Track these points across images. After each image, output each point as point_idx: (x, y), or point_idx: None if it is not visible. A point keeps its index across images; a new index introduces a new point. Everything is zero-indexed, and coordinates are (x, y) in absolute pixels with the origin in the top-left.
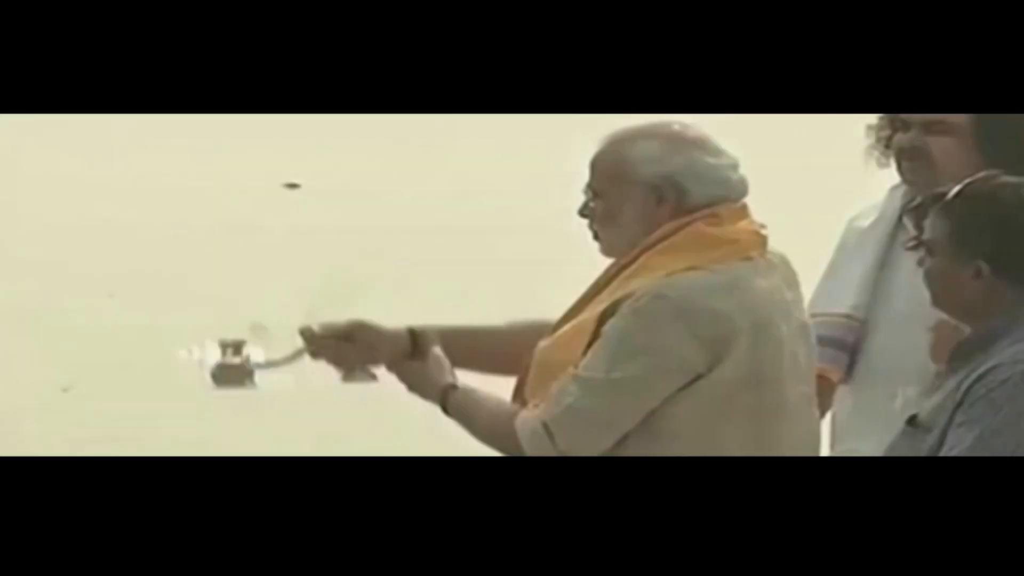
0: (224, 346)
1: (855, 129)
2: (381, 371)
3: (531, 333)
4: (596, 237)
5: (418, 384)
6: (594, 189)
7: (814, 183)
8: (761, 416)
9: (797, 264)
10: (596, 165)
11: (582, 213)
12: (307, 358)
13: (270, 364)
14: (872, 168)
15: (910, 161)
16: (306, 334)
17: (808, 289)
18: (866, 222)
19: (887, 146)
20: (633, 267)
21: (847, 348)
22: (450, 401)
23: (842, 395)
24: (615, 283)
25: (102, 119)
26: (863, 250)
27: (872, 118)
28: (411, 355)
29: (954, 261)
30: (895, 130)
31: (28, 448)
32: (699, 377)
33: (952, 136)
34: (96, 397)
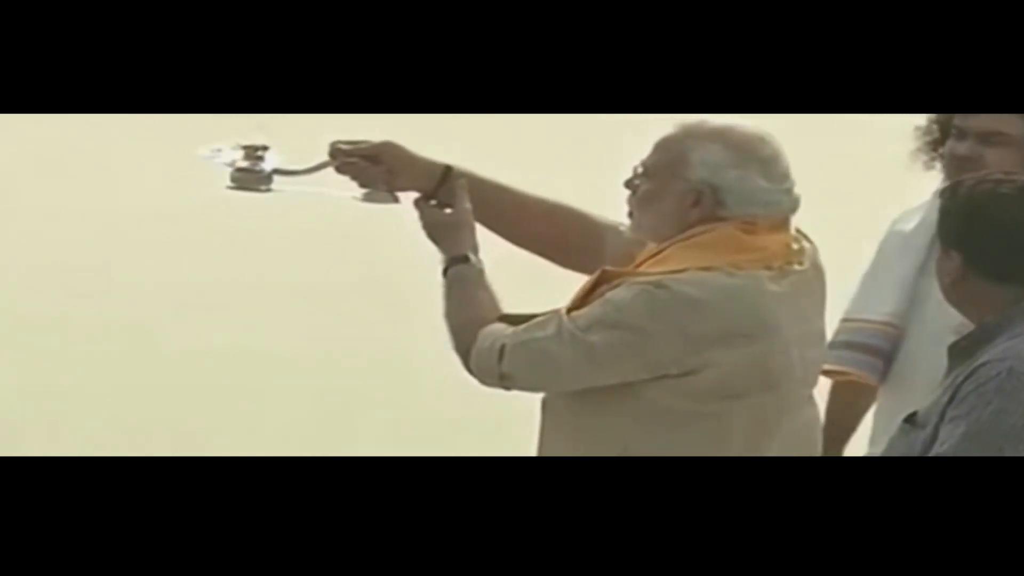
0: (246, 149)
1: (900, 129)
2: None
3: (567, 218)
4: (630, 214)
5: (436, 233)
6: (647, 168)
7: (857, 182)
8: (763, 417)
9: (838, 265)
10: (659, 147)
11: (627, 184)
12: (330, 171)
13: (291, 172)
14: (917, 170)
15: (965, 171)
16: (333, 148)
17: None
18: (908, 226)
19: (935, 149)
20: (659, 256)
21: (883, 355)
22: (454, 271)
23: (879, 399)
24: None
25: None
26: (904, 255)
27: (920, 120)
28: (435, 193)
29: (942, 253)
30: (947, 136)
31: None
32: (670, 375)
33: (1009, 148)
34: None
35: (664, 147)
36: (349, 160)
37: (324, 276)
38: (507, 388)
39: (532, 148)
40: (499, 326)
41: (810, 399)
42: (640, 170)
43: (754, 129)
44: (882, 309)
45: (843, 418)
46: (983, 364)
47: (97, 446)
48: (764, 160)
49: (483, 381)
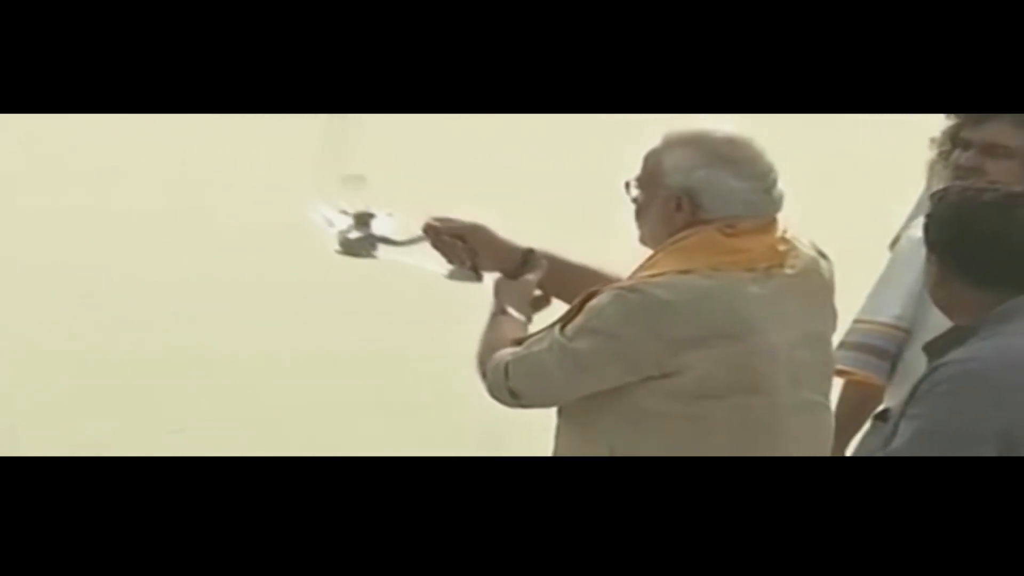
0: (354, 217)
1: (921, 130)
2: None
3: None
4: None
5: (495, 292)
6: (638, 181)
7: (871, 182)
8: (750, 419)
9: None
10: (644, 160)
11: (632, 199)
12: (426, 243)
13: (392, 242)
14: (933, 181)
15: (965, 181)
16: (426, 225)
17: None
18: (920, 230)
19: (947, 159)
20: (648, 263)
21: (888, 357)
22: (492, 319)
23: (885, 400)
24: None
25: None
26: (915, 259)
27: (935, 132)
28: (516, 274)
29: (926, 257)
30: (955, 147)
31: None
32: (652, 377)
33: (1010, 160)
34: None
35: (647, 158)
36: (441, 237)
37: (324, 276)
38: (522, 406)
39: (533, 149)
40: (509, 348)
41: (816, 403)
42: (634, 184)
43: (729, 132)
44: (891, 312)
45: (850, 417)
46: (944, 364)
47: (97, 446)
48: (735, 160)
49: (500, 401)
